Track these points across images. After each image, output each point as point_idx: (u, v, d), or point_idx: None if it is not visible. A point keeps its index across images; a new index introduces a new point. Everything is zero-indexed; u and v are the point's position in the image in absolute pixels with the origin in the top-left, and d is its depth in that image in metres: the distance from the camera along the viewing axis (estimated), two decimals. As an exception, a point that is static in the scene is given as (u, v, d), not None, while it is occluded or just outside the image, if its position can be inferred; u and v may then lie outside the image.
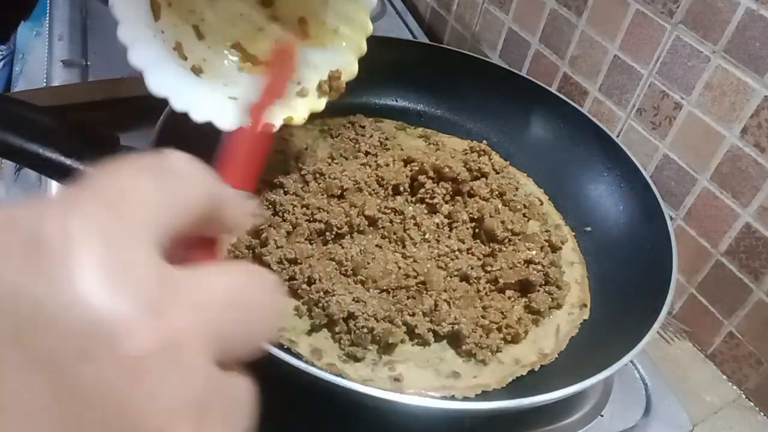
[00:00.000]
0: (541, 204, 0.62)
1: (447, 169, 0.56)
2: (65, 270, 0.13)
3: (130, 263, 0.14)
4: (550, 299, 0.52)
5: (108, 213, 0.14)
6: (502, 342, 0.48)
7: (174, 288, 0.15)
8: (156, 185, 0.16)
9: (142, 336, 0.13)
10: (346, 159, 0.59)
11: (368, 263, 0.49)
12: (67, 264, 0.13)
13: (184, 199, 0.17)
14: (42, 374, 0.12)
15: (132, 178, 0.16)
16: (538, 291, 0.52)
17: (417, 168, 0.56)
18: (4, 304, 0.12)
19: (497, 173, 0.62)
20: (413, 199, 0.56)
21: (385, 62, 0.68)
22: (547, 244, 0.56)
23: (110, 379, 0.13)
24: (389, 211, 0.54)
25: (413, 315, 0.47)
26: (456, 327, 0.47)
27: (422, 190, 0.56)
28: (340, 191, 0.54)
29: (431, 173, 0.56)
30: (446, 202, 0.56)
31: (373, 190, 0.55)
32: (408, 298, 0.48)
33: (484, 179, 0.58)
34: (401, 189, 0.56)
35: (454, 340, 0.47)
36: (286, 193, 0.54)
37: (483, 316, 0.48)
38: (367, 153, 0.61)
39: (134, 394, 0.13)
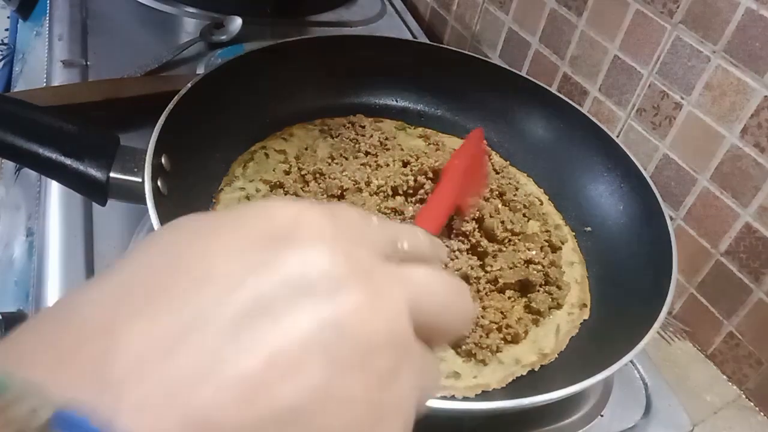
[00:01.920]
0: (541, 204, 0.62)
1: None
2: (312, 247, 0.17)
3: (353, 249, 0.18)
4: (550, 299, 0.52)
5: (337, 226, 0.18)
6: (502, 342, 0.48)
7: (382, 267, 0.19)
8: (367, 224, 0.21)
9: (359, 290, 0.17)
10: (346, 159, 0.59)
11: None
12: (314, 244, 0.17)
13: (399, 237, 0.22)
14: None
15: (363, 216, 0.21)
16: (538, 291, 0.52)
17: (417, 168, 0.56)
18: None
19: (497, 173, 0.62)
20: (413, 199, 0.56)
21: (385, 62, 0.68)
22: (547, 244, 0.56)
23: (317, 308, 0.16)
24: (389, 210, 0.54)
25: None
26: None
27: (422, 191, 0.56)
28: (340, 191, 0.54)
29: (430, 174, 0.56)
30: None
31: (373, 190, 0.55)
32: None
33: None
34: (400, 191, 0.56)
35: (454, 340, 0.47)
36: (286, 193, 0.54)
37: (483, 316, 0.48)
38: (367, 153, 0.61)
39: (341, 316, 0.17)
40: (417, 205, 0.56)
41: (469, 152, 0.56)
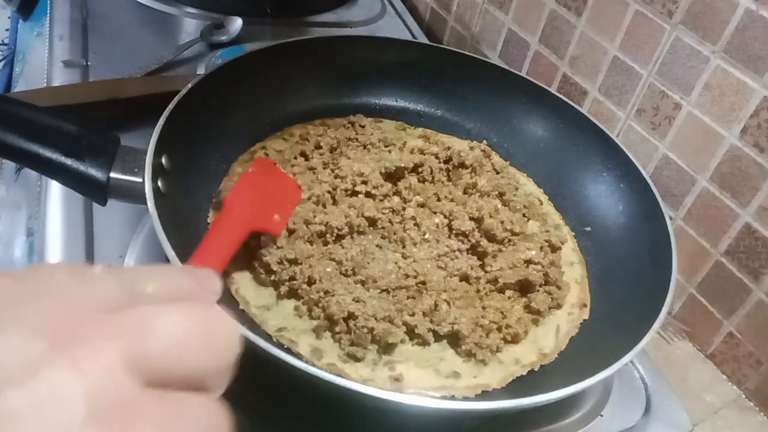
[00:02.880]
0: (541, 204, 0.62)
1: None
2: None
3: (49, 323, 0.16)
4: (549, 299, 0.52)
5: (39, 293, 0.17)
6: (502, 342, 0.48)
7: (87, 319, 0.17)
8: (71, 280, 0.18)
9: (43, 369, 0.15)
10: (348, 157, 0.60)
11: (368, 263, 0.49)
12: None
13: (98, 286, 0.19)
14: None
15: (54, 270, 0.19)
16: (538, 291, 0.52)
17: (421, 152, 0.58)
18: None
19: (497, 173, 0.62)
20: (413, 186, 0.56)
21: (385, 62, 0.68)
22: (546, 244, 0.56)
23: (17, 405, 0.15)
24: (387, 210, 0.54)
25: (413, 315, 0.47)
26: (456, 327, 0.47)
27: (422, 168, 0.57)
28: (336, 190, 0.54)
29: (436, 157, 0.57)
30: (447, 179, 0.58)
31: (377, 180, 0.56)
32: (408, 298, 0.48)
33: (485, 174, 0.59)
34: (405, 172, 0.57)
35: (454, 340, 0.47)
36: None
37: (483, 316, 0.48)
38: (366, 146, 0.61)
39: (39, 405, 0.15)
40: (418, 208, 0.56)
41: (250, 179, 0.50)
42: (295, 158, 0.59)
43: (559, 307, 0.52)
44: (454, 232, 0.54)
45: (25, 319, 0.16)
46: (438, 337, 0.47)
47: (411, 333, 0.47)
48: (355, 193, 0.55)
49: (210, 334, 0.19)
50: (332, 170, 0.57)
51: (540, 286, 0.52)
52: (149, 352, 0.17)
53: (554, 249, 0.56)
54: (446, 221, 0.55)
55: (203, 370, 0.18)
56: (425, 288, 0.49)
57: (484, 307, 0.50)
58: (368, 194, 0.55)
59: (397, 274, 0.49)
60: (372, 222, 0.52)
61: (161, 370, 0.17)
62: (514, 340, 0.48)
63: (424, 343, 0.47)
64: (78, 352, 0.16)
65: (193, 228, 0.51)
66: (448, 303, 0.49)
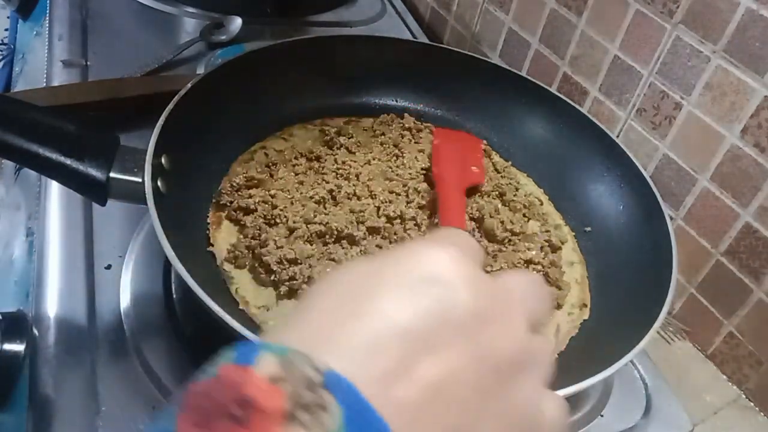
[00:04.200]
0: (541, 204, 0.62)
1: None
2: (456, 287, 0.22)
3: (481, 281, 0.23)
4: (550, 299, 0.52)
5: (461, 253, 0.23)
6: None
7: (500, 290, 0.24)
8: (471, 240, 0.29)
9: (497, 320, 0.23)
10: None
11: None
12: (455, 284, 0.22)
13: (480, 249, 0.28)
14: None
15: (461, 235, 0.28)
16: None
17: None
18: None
19: (498, 173, 0.62)
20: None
21: (385, 62, 0.68)
22: (547, 244, 0.56)
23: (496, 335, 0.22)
24: (390, 214, 0.54)
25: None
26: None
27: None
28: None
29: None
30: None
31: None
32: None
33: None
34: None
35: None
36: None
37: None
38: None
39: (483, 334, 0.22)
40: (418, 209, 0.56)
41: (441, 148, 0.60)
42: (296, 158, 0.59)
43: (559, 307, 0.52)
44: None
45: (474, 285, 0.22)
46: None
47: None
48: (357, 196, 0.55)
49: (545, 291, 0.27)
50: (335, 170, 0.57)
51: None
52: (531, 313, 0.25)
53: (554, 249, 0.56)
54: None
55: (547, 317, 0.28)
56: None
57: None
58: (371, 195, 0.55)
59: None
60: (373, 231, 0.52)
61: (533, 320, 0.25)
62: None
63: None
64: (507, 313, 0.23)
65: (193, 228, 0.51)
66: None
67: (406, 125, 0.65)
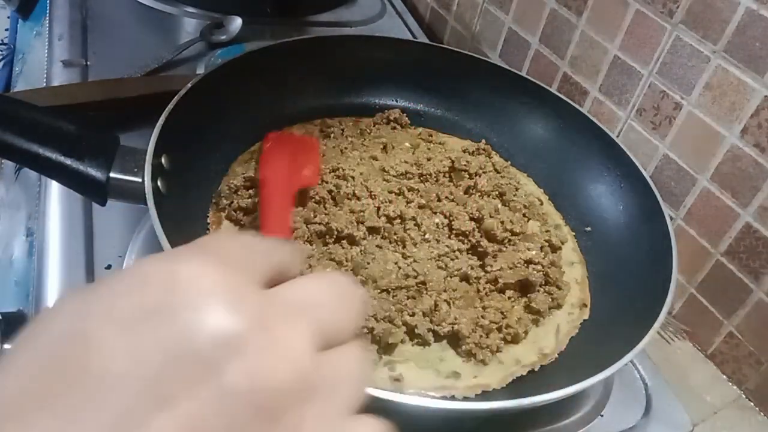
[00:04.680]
0: (541, 204, 0.62)
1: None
2: (196, 312, 0.17)
3: (239, 297, 0.18)
4: (550, 299, 0.52)
5: (219, 263, 0.19)
6: (502, 342, 0.48)
7: (271, 304, 0.19)
8: (254, 245, 0.22)
9: (256, 343, 0.18)
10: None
11: (368, 263, 0.49)
12: (192, 307, 0.17)
13: (263, 256, 0.22)
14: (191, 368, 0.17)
15: (228, 242, 0.21)
16: (538, 291, 0.52)
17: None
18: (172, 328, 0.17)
19: (498, 173, 0.62)
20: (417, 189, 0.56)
21: (385, 62, 0.68)
22: (547, 244, 0.56)
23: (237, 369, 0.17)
24: (389, 214, 0.54)
25: (413, 315, 0.47)
26: (456, 327, 0.47)
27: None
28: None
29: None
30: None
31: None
32: (408, 298, 0.48)
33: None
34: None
35: (454, 340, 0.47)
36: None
37: (483, 316, 0.48)
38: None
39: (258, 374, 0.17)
40: (418, 209, 0.56)
41: (271, 150, 0.56)
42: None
43: (559, 307, 0.52)
44: (454, 232, 0.54)
45: (222, 299, 0.18)
46: (438, 337, 0.47)
47: (411, 333, 0.47)
48: (357, 196, 0.55)
49: (349, 297, 0.22)
50: (335, 170, 0.57)
51: (540, 286, 0.52)
52: (324, 325, 0.20)
53: (554, 249, 0.56)
54: (446, 221, 0.55)
55: (352, 329, 0.21)
56: (425, 288, 0.49)
57: (484, 307, 0.49)
58: (371, 195, 0.55)
59: (397, 274, 0.49)
60: (373, 231, 0.52)
61: (329, 334, 0.20)
62: (514, 340, 0.48)
63: (425, 343, 0.47)
64: (276, 332, 0.18)
65: (193, 228, 0.51)
66: (448, 303, 0.49)
67: (392, 117, 0.65)
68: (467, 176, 0.59)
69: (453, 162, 0.60)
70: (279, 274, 0.22)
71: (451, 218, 0.55)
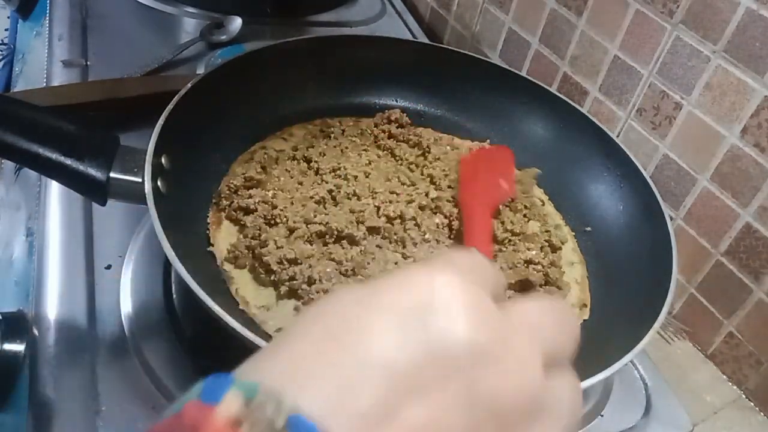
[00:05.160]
0: (543, 204, 0.62)
1: None
2: (452, 318, 0.19)
3: (486, 310, 0.20)
4: (550, 299, 0.52)
5: (465, 278, 0.20)
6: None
7: (509, 321, 0.21)
8: (485, 264, 0.24)
9: (501, 356, 0.19)
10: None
11: (368, 263, 0.49)
12: (451, 315, 0.19)
13: (497, 275, 0.24)
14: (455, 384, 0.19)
15: (469, 259, 0.24)
16: (538, 291, 0.52)
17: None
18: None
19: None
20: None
21: (385, 62, 0.68)
22: (547, 244, 0.56)
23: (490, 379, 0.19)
24: (390, 214, 0.54)
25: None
26: None
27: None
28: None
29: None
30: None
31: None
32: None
33: None
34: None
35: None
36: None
37: None
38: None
39: (489, 378, 0.19)
40: (418, 210, 0.56)
41: (468, 167, 0.58)
42: (296, 158, 0.59)
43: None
44: (454, 232, 0.54)
45: (473, 313, 0.20)
46: None
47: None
48: (357, 196, 0.55)
49: (569, 322, 0.23)
50: (334, 170, 0.57)
51: (540, 286, 0.52)
52: (549, 347, 0.21)
53: (554, 249, 0.56)
54: (446, 221, 0.55)
55: (570, 353, 0.23)
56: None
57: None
58: (371, 195, 0.55)
59: (397, 274, 0.49)
60: (374, 231, 0.52)
61: (552, 356, 0.21)
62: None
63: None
64: (516, 350, 0.20)
65: (193, 228, 0.51)
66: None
67: (392, 117, 0.64)
68: None
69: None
70: (497, 294, 0.23)
71: (451, 218, 0.55)
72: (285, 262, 0.48)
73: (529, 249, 0.54)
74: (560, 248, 0.57)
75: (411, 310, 0.19)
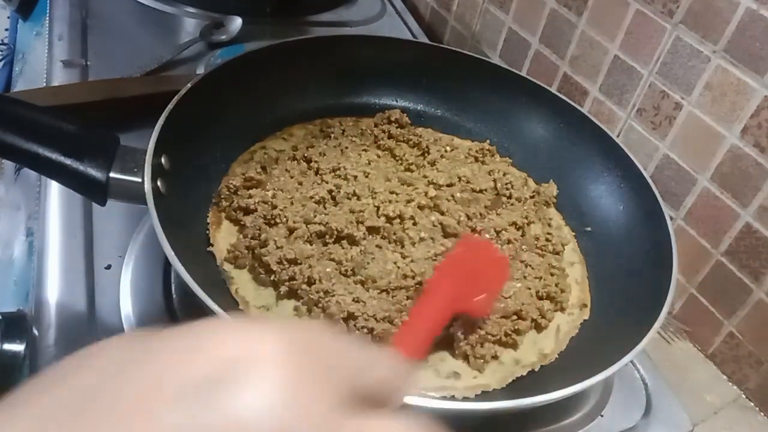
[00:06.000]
0: (547, 207, 0.61)
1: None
2: (255, 388, 0.15)
3: (317, 413, 0.16)
4: (553, 305, 0.52)
5: (302, 364, 0.16)
6: (502, 348, 0.48)
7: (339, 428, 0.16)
8: (348, 350, 0.18)
9: None
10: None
11: (368, 263, 0.49)
12: (258, 383, 0.15)
13: (368, 371, 0.19)
14: None
15: (327, 341, 0.18)
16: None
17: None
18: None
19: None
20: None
21: (385, 62, 0.68)
22: (547, 245, 0.56)
23: None
24: (389, 213, 0.54)
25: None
26: (452, 330, 0.46)
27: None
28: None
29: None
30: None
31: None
32: (407, 298, 0.48)
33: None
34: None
35: (449, 343, 0.47)
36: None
37: (480, 327, 0.48)
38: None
39: None
40: (418, 209, 0.55)
41: (455, 259, 0.49)
42: (295, 158, 0.59)
43: (562, 310, 0.52)
44: (448, 231, 0.54)
45: (291, 398, 0.15)
46: (435, 345, 0.47)
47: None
48: (357, 196, 0.55)
49: None
50: (334, 170, 0.57)
51: (541, 298, 0.52)
52: None
53: (556, 251, 0.56)
54: (441, 219, 0.55)
55: None
56: (423, 288, 0.49)
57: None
58: (371, 194, 0.55)
59: (397, 274, 0.49)
60: (373, 230, 0.52)
61: None
62: (514, 346, 0.48)
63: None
64: None
65: (193, 228, 0.51)
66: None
67: (392, 117, 0.64)
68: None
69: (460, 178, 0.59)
70: (376, 395, 0.19)
71: (446, 214, 0.55)
72: (285, 262, 0.48)
73: (529, 250, 0.54)
74: (562, 250, 0.57)
75: (208, 379, 0.15)
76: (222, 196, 0.53)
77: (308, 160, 0.58)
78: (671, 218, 0.58)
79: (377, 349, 0.19)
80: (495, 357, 0.47)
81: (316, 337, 0.18)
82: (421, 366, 0.21)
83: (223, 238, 0.51)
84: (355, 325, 0.44)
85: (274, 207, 0.52)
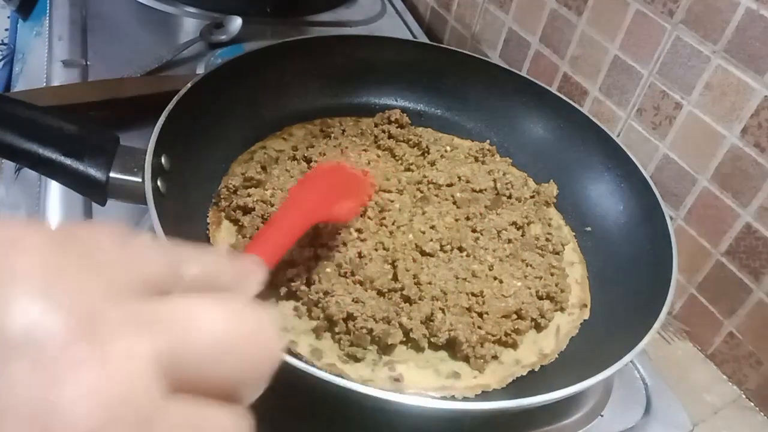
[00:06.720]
0: (548, 206, 0.61)
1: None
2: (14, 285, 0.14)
3: (84, 303, 0.14)
4: (553, 305, 0.52)
5: (78, 257, 0.15)
6: (501, 348, 0.48)
7: (130, 313, 0.15)
8: (121, 244, 0.17)
9: (67, 343, 0.14)
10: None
11: (366, 264, 0.49)
12: (30, 299, 0.14)
13: (178, 265, 0.17)
14: None
15: (99, 232, 0.17)
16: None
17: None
18: None
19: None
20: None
21: (385, 62, 0.68)
22: (547, 245, 0.56)
23: (26, 382, 0.13)
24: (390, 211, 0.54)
25: (410, 319, 0.46)
26: (452, 333, 0.46)
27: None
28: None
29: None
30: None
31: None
32: (403, 300, 0.48)
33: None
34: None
35: (451, 347, 0.47)
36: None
37: (480, 327, 0.48)
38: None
39: (50, 395, 0.13)
40: (416, 207, 0.55)
41: (313, 175, 0.50)
42: (295, 159, 0.59)
43: (562, 310, 0.52)
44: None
45: (57, 287, 0.14)
46: (434, 347, 0.47)
47: (407, 336, 0.46)
48: None
49: (251, 339, 0.17)
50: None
51: (541, 298, 0.52)
52: (185, 355, 0.15)
53: (556, 251, 0.56)
54: (438, 214, 0.55)
55: (238, 378, 0.16)
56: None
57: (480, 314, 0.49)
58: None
59: (393, 275, 0.49)
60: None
61: (193, 377, 0.15)
62: (514, 346, 0.48)
63: (419, 349, 0.46)
64: (108, 344, 0.14)
65: (193, 228, 0.51)
66: (443, 311, 0.48)
67: (392, 117, 0.64)
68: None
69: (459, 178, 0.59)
70: (190, 284, 0.17)
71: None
72: (283, 263, 0.48)
73: (529, 250, 0.54)
74: (562, 250, 0.57)
75: None
76: (222, 196, 0.53)
77: (308, 160, 0.58)
78: (671, 218, 0.58)
79: (199, 248, 0.18)
80: (495, 357, 0.47)
81: (97, 236, 0.16)
82: (268, 270, 0.19)
83: (223, 238, 0.51)
84: (354, 325, 0.44)
85: (272, 206, 0.52)
